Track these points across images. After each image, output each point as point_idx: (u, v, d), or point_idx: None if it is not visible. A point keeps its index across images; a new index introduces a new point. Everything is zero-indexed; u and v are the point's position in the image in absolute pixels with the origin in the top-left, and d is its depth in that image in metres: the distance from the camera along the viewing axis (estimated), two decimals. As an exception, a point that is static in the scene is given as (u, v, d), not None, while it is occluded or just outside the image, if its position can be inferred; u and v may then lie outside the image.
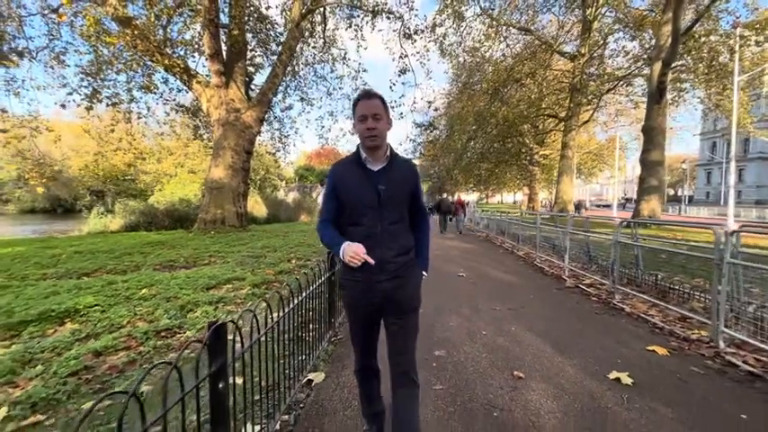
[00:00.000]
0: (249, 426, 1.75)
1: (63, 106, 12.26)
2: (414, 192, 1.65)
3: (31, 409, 2.14)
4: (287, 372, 2.15)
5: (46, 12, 12.94)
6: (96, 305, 3.93)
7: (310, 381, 2.46)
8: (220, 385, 1.30)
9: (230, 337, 1.38)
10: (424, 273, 1.72)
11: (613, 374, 2.46)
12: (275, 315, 1.96)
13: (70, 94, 12.21)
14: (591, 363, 2.68)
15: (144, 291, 4.62)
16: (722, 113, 20.74)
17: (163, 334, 3.31)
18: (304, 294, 2.48)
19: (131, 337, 3.18)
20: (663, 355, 2.85)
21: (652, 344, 3.03)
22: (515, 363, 2.69)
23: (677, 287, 4.23)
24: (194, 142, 23.30)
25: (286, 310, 2.11)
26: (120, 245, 9.59)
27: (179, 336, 3.32)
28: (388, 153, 1.59)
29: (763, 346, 2.72)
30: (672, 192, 68.54)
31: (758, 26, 16.22)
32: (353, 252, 1.43)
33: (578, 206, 29.61)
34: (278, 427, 1.97)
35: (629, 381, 2.38)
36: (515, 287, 5.37)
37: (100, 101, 12.76)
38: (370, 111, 1.50)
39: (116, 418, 0.83)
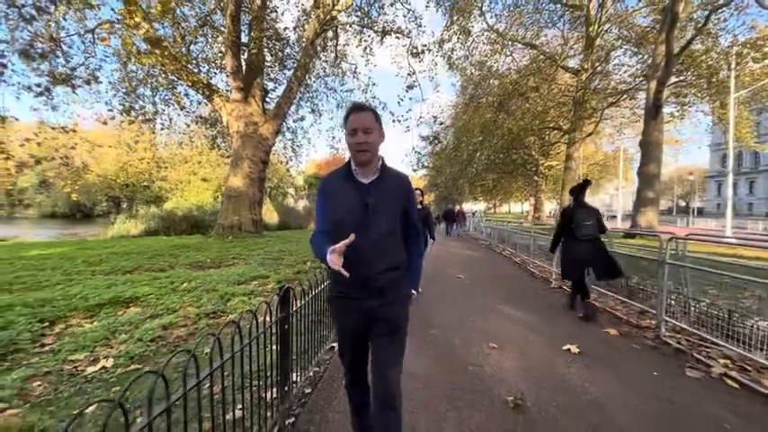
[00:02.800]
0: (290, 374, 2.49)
1: (105, 123, 13.40)
2: (405, 206, 1.60)
3: (130, 361, 2.93)
4: (316, 339, 2.90)
5: (83, 32, 14.20)
6: (151, 294, 4.74)
7: (333, 347, 3.20)
8: (285, 326, 2.06)
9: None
10: (413, 291, 1.70)
11: (566, 346, 3.17)
12: (307, 298, 2.72)
13: (111, 110, 13.37)
14: (552, 339, 3.40)
15: (185, 284, 5.42)
16: (725, 127, 21.12)
17: (211, 316, 4.09)
18: (325, 284, 3.23)
19: (186, 317, 3.97)
20: (614, 335, 3.55)
21: (608, 328, 3.73)
22: (493, 339, 3.41)
23: (643, 287, 4.89)
24: (207, 151, 24.43)
25: (316, 291, 2.86)
26: (149, 247, 10.48)
27: (223, 317, 4.09)
28: (380, 166, 1.56)
29: (693, 330, 3.41)
30: (683, 203, 68.09)
31: (755, 44, 16.72)
32: (332, 260, 1.37)
33: None
34: (311, 374, 2.71)
35: (576, 350, 3.09)
36: (507, 287, 6.07)
37: (137, 117, 13.92)
38: (361, 124, 1.47)
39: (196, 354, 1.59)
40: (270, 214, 26.37)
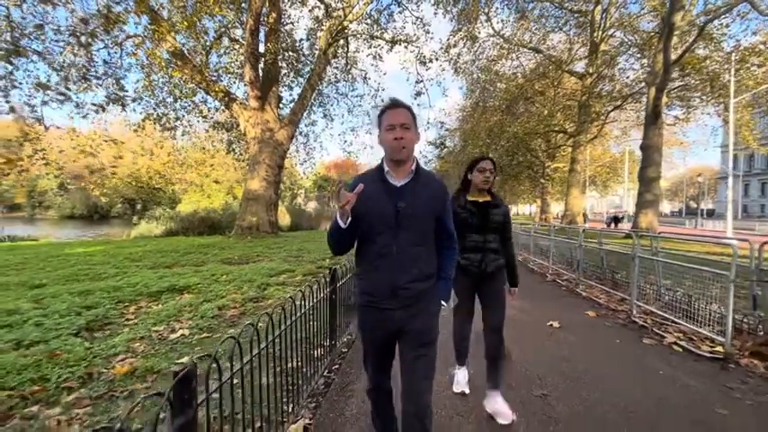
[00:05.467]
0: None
1: (136, 131, 14.47)
2: (440, 212, 1.52)
3: (200, 331, 3.71)
4: (349, 312, 3.66)
5: (112, 45, 15.24)
6: (200, 283, 5.55)
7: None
8: (333, 297, 2.82)
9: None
10: (443, 303, 1.58)
11: (550, 322, 3.88)
12: (345, 278, 3.46)
13: (145, 119, 14.48)
14: (540, 318, 4.11)
15: (224, 276, 6.23)
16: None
17: (254, 300, 4.88)
18: (352, 273, 3.98)
19: (234, 301, 4.75)
20: (592, 316, 4.26)
21: (588, 311, 4.43)
22: (490, 318, 4.13)
23: (626, 280, 5.57)
24: (219, 154, 25.36)
25: (346, 278, 3.61)
26: (177, 246, 11.34)
27: (263, 302, 4.87)
28: (414, 167, 1.47)
29: (660, 312, 4.09)
30: (694, 204, 67.69)
31: (755, 50, 17.07)
32: (343, 197, 1.31)
33: (616, 220, 30.38)
34: (345, 339, 3.47)
35: (558, 325, 3.80)
36: (507, 281, 6.77)
37: (165, 124, 14.98)
38: (399, 120, 1.41)
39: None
40: (282, 216, 27.26)
